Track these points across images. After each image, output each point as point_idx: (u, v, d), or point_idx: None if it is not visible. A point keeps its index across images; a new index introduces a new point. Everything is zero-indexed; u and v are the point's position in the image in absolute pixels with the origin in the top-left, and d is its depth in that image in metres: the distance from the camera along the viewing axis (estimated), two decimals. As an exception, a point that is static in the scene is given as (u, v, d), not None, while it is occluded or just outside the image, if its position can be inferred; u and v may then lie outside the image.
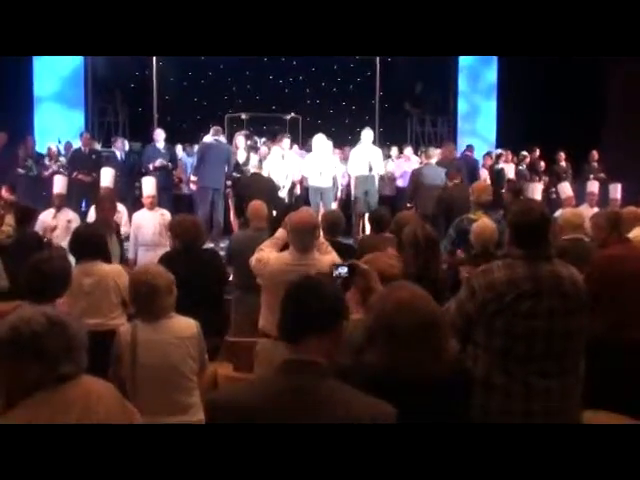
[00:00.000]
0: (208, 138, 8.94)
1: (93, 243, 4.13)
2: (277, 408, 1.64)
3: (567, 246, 4.21)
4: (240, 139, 9.42)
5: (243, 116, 12.56)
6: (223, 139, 9.10)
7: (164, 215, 6.54)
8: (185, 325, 3.14)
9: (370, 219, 5.56)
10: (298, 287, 1.79)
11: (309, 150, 9.64)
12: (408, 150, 10.77)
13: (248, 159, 9.43)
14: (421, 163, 9.47)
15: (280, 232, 4.01)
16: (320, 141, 8.96)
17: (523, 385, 2.55)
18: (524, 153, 10.88)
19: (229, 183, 8.85)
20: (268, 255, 3.79)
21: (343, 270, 2.64)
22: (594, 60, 11.01)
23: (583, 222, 4.61)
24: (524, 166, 10.81)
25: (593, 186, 8.59)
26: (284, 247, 3.91)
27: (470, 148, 10.64)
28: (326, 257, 3.71)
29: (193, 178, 8.92)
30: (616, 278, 3.73)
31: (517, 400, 2.55)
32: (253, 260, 3.81)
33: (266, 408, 1.64)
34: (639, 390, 3.16)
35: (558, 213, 7.18)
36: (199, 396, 3.13)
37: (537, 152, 11.08)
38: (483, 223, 4.54)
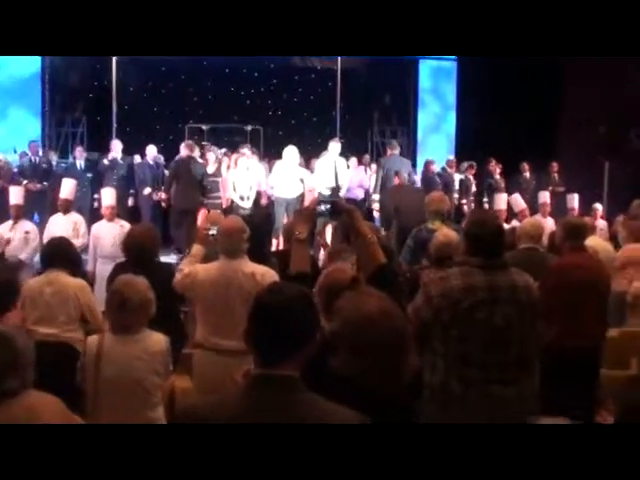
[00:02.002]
0: (182, 152, 9.00)
1: (61, 254, 4.12)
2: (250, 424, 1.60)
3: (522, 255, 4.31)
4: (210, 154, 9.43)
5: (204, 127, 12.50)
6: (197, 153, 9.18)
7: (124, 227, 6.46)
8: (155, 340, 3.12)
9: (341, 230, 5.56)
10: (269, 305, 1.70)
11: (270, 161, 9.68)
12: (353, 161, 10.86)
13: (219, 170, 9.39)
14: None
15: (195, 248, 3.94)
16: (291, 153, 8.99)
17: (480, 393, 2.61)
18: (466, 164, 11.06)
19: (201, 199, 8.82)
20: (194, 268, 3.73)
21: (327, 207, 2.67)
22: (550, 74, 11.31)
23: (541, 232, 4.71)
24: (466, 176, 11.01)
25: (545, 197, 8.79)
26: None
27: (430, 163, 10.80)
28: (258, 266, 3.66)
29: (164, 196, 8.96)
30: (567, 286, 3.86)
31: (474, 408, 2.61)
32: (178, 277, 3.71)
33: (237, 424, 1.60)
34: (590, 395, 3.27)
35: (514, 223, 7.34)
36: (162, 411, 3.11)
37: (493, 163, 11.27)
38: (448, 233, 4.54)
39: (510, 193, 10.24)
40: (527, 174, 11.29)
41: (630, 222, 6.11)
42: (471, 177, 11.04)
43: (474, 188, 11.02)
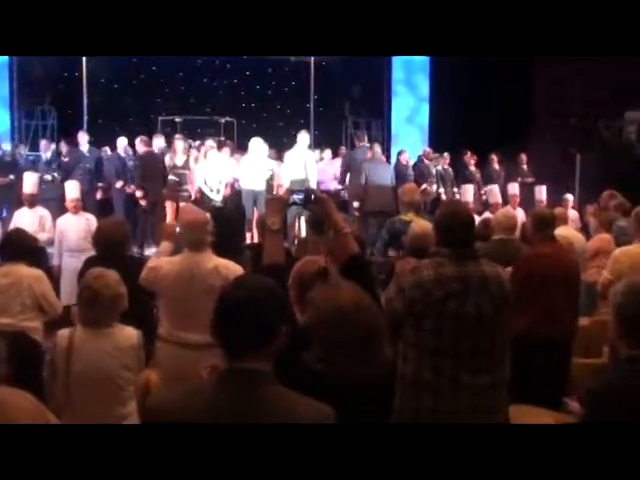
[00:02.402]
0: (140, 148, 8.96)
1: (19, 246, 4.24)
2: (219, 417, 1.60)
3: (497, 246, 4.34)
4: (178, 143, 9.30)
5: (177, 119, 12.39)
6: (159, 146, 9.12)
7: (89, 220, 6.40)
8: (126, 335, 3.09)
9: (310, 222, 5.54)
10: (235, 299, 1.69)
11: (244, 154, 9.62)
12: (327, 153, 10.84)
13: (187, 162, 9.30)
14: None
15: (163, 245, 3.91)
16: (257, 144, 8.95)
17: (452, 382, 2.62)
18: (437, 155, 11.12)
19: (164, 192, 8.81)
20: (159, 262, 3.69)
21: (299, 197, 2.64)
22: (522, 66, 11.40)
23: (514, 223, 4.75)
24: (441, 167, 11.07)
25: (514, 188, 8.87)
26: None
27: (401, 153, 10.82)
28: (222, 259, 3.62)
29: (138, 194, 8.91)
30: (538, 277, 3.89)
31: (446, 397, 2.62)
32: (144, 273, 3.67)
33: (207, 417, 1.60)
34: (560, 384, 3.31)
35: (486, 215, 7.40)
36: (135, 406, 3.07)
37: (468, 154, 11.34)
38: (424, 224, 4.53)
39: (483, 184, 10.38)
40: (496, 165, 11.38)
41: (600, 213, 6.20)
42: (449, 168, 11.10)
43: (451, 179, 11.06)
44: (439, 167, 10.93)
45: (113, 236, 4.03)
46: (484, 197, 10.71)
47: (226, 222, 4.01)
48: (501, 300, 2.70)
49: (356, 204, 9.16)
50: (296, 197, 2.64)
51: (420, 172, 10.64)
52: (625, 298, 2.05)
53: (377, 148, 9.34)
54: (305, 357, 1.94)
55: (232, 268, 3.45)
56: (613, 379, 2.07)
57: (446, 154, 11.11)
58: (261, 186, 8.93)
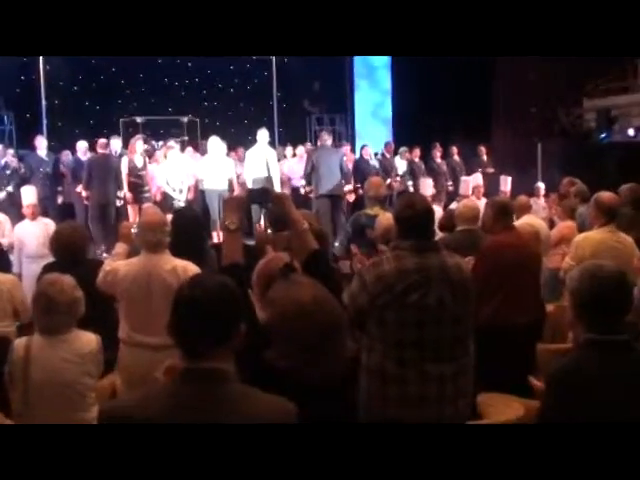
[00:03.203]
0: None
1: None
2: (177, 419, 1.58)
3: (460, 237, 4.36)
4: (138, 144, 9.18)
5: (138, 120, 12.22)
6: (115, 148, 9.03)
7: (48, 225, 6.29)
8: (85, 341, 3.03)
9: (270, 220, 5.51)
10: (190, 298, 1.68)
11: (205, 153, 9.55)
12: (300, 150, 10.79)
13: (145, 164, 9.20)
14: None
15: (118, 246, 3.86)
16: (215, 143, 8.87)
17: (417, 372, 2.63)
18: (403, 148, 11.19)
19: (121, 194, 8.73)
20: (116, 265, 3.64)
21: (257, 195, 2.63)
22: (482, 60, 11.50)
23: (477, 214, 4.77)
24: (413, 160, 11.14)
25: (478, 179, 8.95)
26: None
27: (363, 148, 10.85)
28: (180, 260, 3.57)
29: (84, 194, 8.85)
30: (501, 265, 3.93)
31: (412, 387, 2.63)
32: (100, 276, 3.61)
33: (165, 420, 1.58)
34: (525, 371, 3.34)
35: (453, 205, 7.45)
36: (97, 412, 3.02)
37: (438, 146, 11.40)
38: (392, 217, 4.51)
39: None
40: (456, 157, 11.49)
41: (562, 201, 6.28)
42: (419, 161, 11.16)
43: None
44: (404, 160, 10.99)
45: (69, 241, 3.97)
46: (450, 189, 10.84)
47: (186, 223, 3.96)
48: (462, 290, 2.71)
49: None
50: (255, 196, 2.62)
51: (384, 166, 10.69)
52: (580, 283, 2.07)
53: (325, 135, 9.30)
54: (266, 355, 1.93)
55: (191, 269, 3.40)
56: (570, 363, 2.09)
57: (417, 148, 11.18)
58: (224, 185, 8.87)
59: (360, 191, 9.36)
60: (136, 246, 3.74)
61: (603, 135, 12.24)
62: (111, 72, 13.19)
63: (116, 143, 9.24)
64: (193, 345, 1.66)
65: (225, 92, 13.97)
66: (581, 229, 5.21)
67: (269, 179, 8.83)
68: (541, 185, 9.26)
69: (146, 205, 7.43)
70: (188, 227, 3.95)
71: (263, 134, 8.99)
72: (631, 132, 12.00)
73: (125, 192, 8.75)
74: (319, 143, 9.53)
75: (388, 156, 11.01)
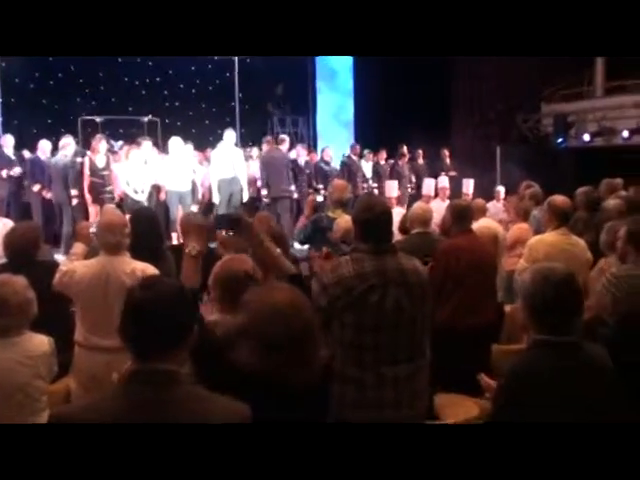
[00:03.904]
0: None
1: None
2: (129, 420, 1.57)
3: (415, 240, 4.41)
4: (101, 144, 9.03)
5: (98, 119, 12.03)
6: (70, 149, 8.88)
7: (6, 225, 6.15)
8: (37, 343, 2.96)
9: (230, 221, 5.47)
10: (141, 300, 1.68)
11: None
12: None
13: (108, 163, 9.03)
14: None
15: (77, 246, 3.81)
16: (176, 144, 8.80)
17: (375, 375, 2.65)
18: (367, 151, 11.28)
19: (74, 193, 8.58)
20: (73, 266, 3.58)
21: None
22: (441, 61, 11.64)
23: (431, 216, 4.82)
24: (378, 162, 11.23)
25: (444, 181, 9.06)
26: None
27: (324, 150, 10.90)
28: (139, 262, 3.53)
29: (48, 195, 8.81)
30: (457, 268, 3.99)
31: (370, 390, 2.64)
32: (57, 276, 3.54)
33: (117, 421, 1.56)
34: (482, 371, 3.39)
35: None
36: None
37: (404, 148, 11.50)
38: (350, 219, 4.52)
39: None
40: (421, 160, 11.63)
41: (517, 203, 6.41)
42: (384, 163, 11.24)
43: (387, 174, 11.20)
44: (369, 163, 11.06)
45: (21, 241, 3.88)
46: (413, 191, 10.97)
47: (143, 223, 3.91)
48: (419, 292, 2.74)
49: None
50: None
51: (349, 168, 10.75)
52: (531, 285, 2.12)
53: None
54: (234, 358, 1.91)
55: (150, 272, 3.36)
56: (521, 364, 2.14)
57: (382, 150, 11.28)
58: (186, 187, 8.80)
59: (322, 192, 9.45)
60: (94, 247, 3.68)
61: (560, 140, 12.50)
62: (69, 70, 12.95)
63: (67, 141, 9.01)
64: (143, 347, 1.66)
65: (186, 92, 13.86)
66: (536, 232, 5.31)
67: (235, 180, 8.79)
68: (501, 189, 9.42)
69: (106, 206, 7.32)
70: (145, 228, 3.91)
71: (230, 134, 8.96)
72: (586, 137, 12.29)
73: (85, 192, 8.59)
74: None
75: (355, 158, 11.06)
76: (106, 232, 3.48)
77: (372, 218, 2.72)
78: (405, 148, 11.41)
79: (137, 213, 4.41)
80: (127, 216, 4.13)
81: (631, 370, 2.07)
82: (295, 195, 9.80)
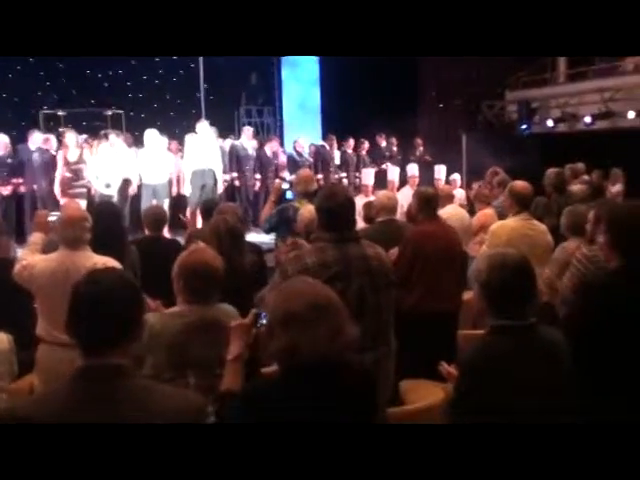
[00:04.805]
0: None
1: None
2: (78, 417, 1.56)
3: (380, 228, 4.43)
4: (70, 136, 8.84)
5: (60, 112, 11.83)
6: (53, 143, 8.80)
7: None
8: None
9: (201, 210, 5.41)
10: (86, 294, 1.68)
11: (132, 146, 9.32)
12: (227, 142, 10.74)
13: (81, 156, 8.84)
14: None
15: (35, 236, 3.76)
16: (152, 136, 8.69)
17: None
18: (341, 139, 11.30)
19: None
20: (33, 259, 3.53)
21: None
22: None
23: (396, 204, 4.84)
24: (346, 151, 11.25)
25: (413, 169, 9.10)
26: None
27: (296, 141, 10.88)
28: (101, 257, 3.47)
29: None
30: (422, 254, 4.02)
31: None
32: (17, 269, 3.49)
33: (66, 418, 1.55)
34: (447, 358, 3.43)
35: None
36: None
37: (383, 136, 11.49)
38: (313, 209, 4.49)
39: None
40: (395, 148, 11.68)
41: (480, 190, 6.48)
42: (352, 152, 11.25)
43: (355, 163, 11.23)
44: (338, 152, 11.07)
45: None
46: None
47: (105, 217, 3.86)
48: (382, 279, 2.77)
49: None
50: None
51: (323, 158, 10.75)
52: (485, 272, 2.15)
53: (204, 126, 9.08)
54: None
55: (111, 265, 3.33)
56: (480, 349, 2.17)
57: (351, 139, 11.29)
58: (161, 179, 8.72)
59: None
60: (53, 240, 3.63)
61: (524, 127, 12.64)
62: (29, 63, 12.68)
63: (3, 139, 8.77)
64: (90, 343, 1.65)
65: (150, 83, 13.66)
66: (501, 217, 5.38)
67: (209, 172, 8.70)
68: (457, 177, 9.54)
69: (67, 200, 7.20)
70: (107, 222, 3.86)
71: (203, 126, 8.83)
72: (550, 123, 12.45)
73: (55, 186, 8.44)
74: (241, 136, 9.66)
75: (328, 148, 11.05)
76: (66, 227, 3.43)
77: (334, 207, 2.73)
78: (384, 136, 11.48)
79: (99, 207, 4.36)
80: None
81: (586, 346, 2.11)
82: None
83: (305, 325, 1.77)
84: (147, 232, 4.80)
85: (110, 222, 3.93)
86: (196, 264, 2.74)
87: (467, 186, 9.91)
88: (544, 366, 2.06)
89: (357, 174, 10.87)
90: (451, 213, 5.78)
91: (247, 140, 10.33)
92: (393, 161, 11.22)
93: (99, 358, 1.63)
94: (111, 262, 3.39)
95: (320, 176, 10.62)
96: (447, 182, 9.09)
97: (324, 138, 11.31)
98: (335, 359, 1.78)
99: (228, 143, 10.47)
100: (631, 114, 11.18)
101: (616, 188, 9.29)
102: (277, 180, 7.95)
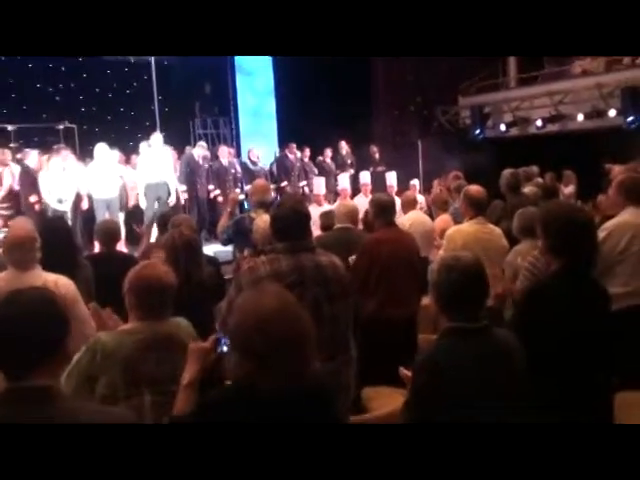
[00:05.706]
0: None
1: None
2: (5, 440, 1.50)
3: (338, 235, 4.43)
4: (32, 156, 8.70)
5: (9, 127, 11.53)
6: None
7: None
8: None
9: (157, 223, 5.35)
10: (4, 317, 1.62)
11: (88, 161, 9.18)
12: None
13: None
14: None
15: None
16: (102, 150, 8.57)
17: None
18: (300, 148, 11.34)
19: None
20: None
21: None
22: (360, 59, 11.73)
23: (354, 212, 4.84)
24: (303, 160, 11.30)
25: (366, 177, 9.15)
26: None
27: (250, 150, 10.87)
28: (52, 275, 3.39)
29: None
30: (380, 260, 4.02)
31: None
32: None
33: None
34: (410, 362, 3.43)
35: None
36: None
37: (342, 144, 11.52)
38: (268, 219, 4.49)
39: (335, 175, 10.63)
40: (344, 154, 11.75)
41: (437, 195, 6.54)
42: (309, 161, 11.26)
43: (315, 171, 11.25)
44: (297, 161, 11.09)
45: None
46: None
47: (55, 234, 3.76)
48: (338, 288, 2.75)
49: None
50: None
51: (284, 168, 10.75)
52: (438, 276, 2.15)
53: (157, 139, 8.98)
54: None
55: (62, 283, 3.24)
56: (433, 352, 2.18)
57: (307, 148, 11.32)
58: (113, 193, 8.60)
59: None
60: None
61: (478, 131, 12.82)
62: (-24, 77, 12.39)
63: None
64: (13, 365, 1.61)
65: (103, 97, 13.45)
66: (457, 223, 5.42)
67: (162, 185, 8.62)
68: (415, 182, 9.63)
69: (14, 220, 7.01)
70: (57, 239, 3.76)
71: (157, 138, 8.76)
72: (503, 127, 12.66)
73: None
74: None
75: (291, 157, 11.04)
76: (13, 249, 3.32)
77: (287, 216, 2.71)
78: (343, 143, 11.58)
79: (48, 224, 4.24)
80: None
81: (533, 347, 2.13)
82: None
83: (265, 363, 1.67)
84: (99, 247, 4.71)
85: (60, 238, 3.83)
86: (147, 279, 2.67)
87: (425, 191, 10.02)
88: (498, 367, 2.07)
89: (301, 184, 11.00)
90: (414, 219, 5.82)
91: (201, 151, 10.33)
92: (345, 169, 11.29)
93: (22, 381, 1.59)
94: (62, 279, 3.30)
95: (285, 183, 10.69)
96: (407, 188, 9.17)
97: (283, 146, 11.30)
98: (294, 387, 1.71)
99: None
100: (580, 117, 11.43)
101: (569, 189, 9.50)
102: (234, 191, 7.93)
